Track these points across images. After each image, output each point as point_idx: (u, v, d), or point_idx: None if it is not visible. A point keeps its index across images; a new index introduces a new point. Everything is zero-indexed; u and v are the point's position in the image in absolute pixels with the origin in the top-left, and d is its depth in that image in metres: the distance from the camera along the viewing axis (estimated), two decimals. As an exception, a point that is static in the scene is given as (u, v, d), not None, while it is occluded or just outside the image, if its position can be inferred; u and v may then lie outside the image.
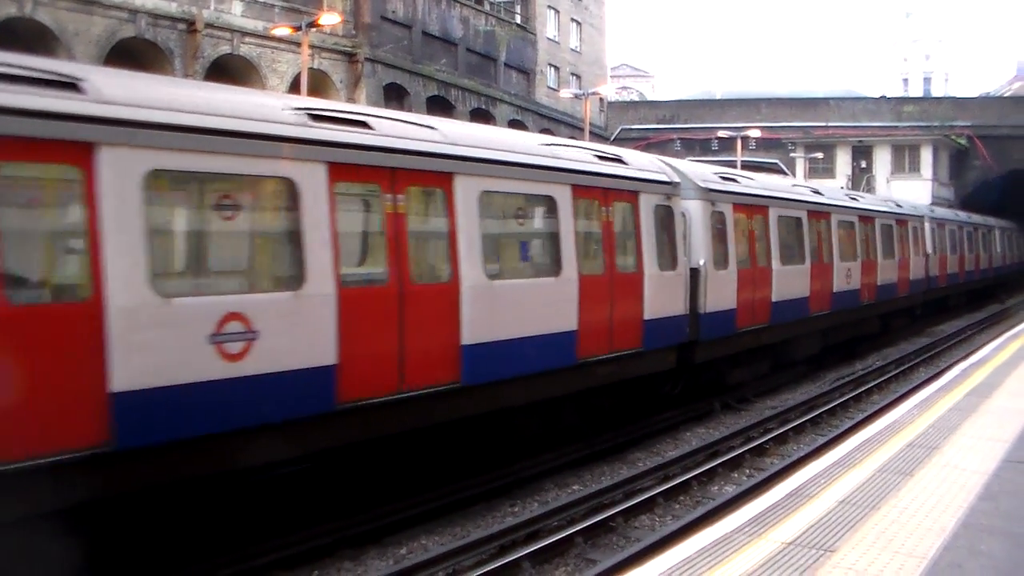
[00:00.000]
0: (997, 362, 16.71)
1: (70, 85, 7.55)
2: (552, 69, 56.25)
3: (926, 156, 55.24)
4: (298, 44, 28.87)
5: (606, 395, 14.55)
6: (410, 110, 36.50)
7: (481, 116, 44.19)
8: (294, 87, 31.39)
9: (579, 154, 13.62)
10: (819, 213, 21.82)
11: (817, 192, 23.05)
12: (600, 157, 14.08)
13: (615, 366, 13.85)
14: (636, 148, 58.05)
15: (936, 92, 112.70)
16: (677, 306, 15.35)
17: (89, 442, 7.38)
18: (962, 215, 42.04)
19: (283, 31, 28.49)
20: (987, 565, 6.58)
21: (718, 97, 79.95)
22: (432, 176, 10.72)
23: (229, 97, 9.59)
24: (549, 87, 54.91)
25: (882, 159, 56.08)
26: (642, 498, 11.66)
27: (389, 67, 38.95)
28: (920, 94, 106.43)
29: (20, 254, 7.53)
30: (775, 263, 19.09)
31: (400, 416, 10.25)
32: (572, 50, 59.02)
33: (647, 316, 14.33)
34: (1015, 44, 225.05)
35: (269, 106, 9.53)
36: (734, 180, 18.49)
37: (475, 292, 10.91)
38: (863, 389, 19.74)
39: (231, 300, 8.56)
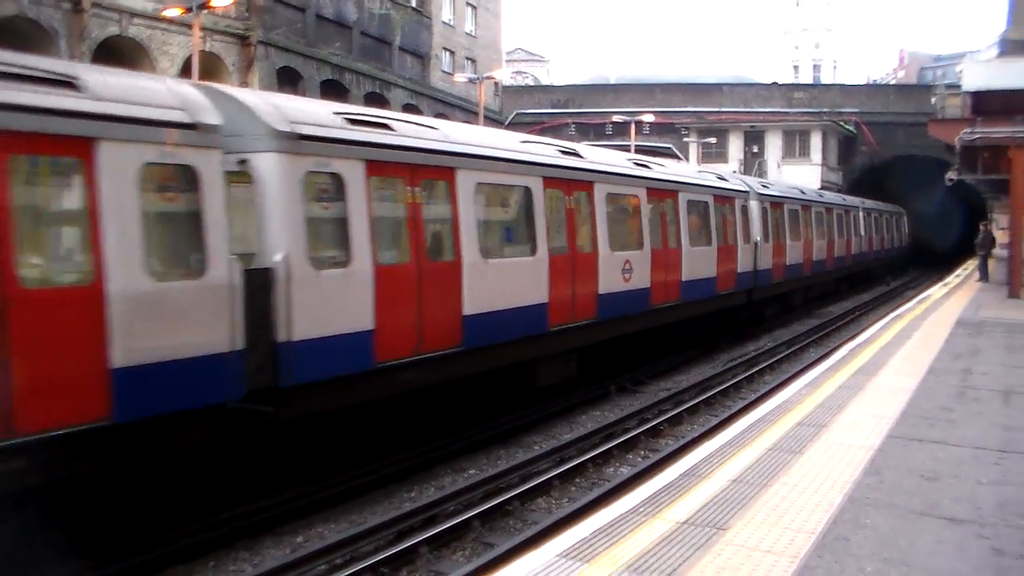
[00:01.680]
0: (883, 342, 17.20)
1: None
2: (447, 53, 56.02)
3: (816, 141, 56.57)
4: (189, 26, 28.15)
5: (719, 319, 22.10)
6: (303, 94, 36.01)
7: (375, 100, 43.82)
8: (185, 70, 30.63)
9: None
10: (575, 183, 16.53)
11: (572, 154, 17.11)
12: (562, 152, 16.48)
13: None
14: (531, 132, 58.51)
15: (825, 79, 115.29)
16: None
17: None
18: (810, 192, 36.68)
19: (174, 12, 27.62)
20: (871, 537, 6.79)
21: (613, 82, 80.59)
22: (440, 170, 12.69)
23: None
24: (444, 71, 54.68)
25: (773, 144, 57.26)
26: (538, 481, 11.75)
27: (282, 50, 38.28)
28: (810, 81, 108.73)
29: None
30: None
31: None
32: (467, 34, 58.86)
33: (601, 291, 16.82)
34: (900, 34, 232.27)
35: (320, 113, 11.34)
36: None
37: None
38: (755, 370, 20.18)
39: None
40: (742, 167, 54.60)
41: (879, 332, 18.86)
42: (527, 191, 14.85)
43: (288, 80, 38.40)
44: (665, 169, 21.24)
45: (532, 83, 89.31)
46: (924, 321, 20.76)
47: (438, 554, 9.62)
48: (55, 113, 7.94)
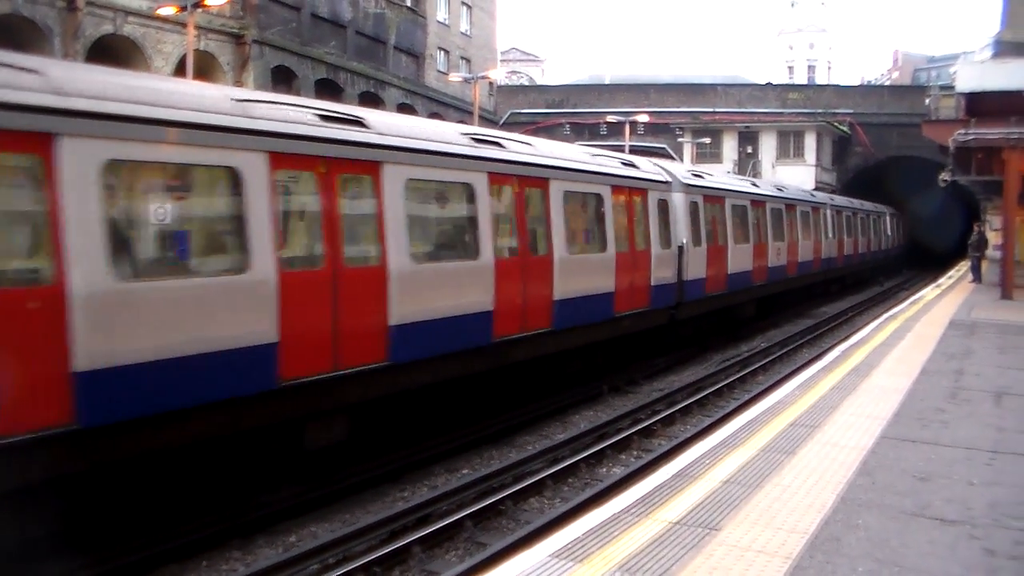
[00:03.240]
0: (876, 342, 17.24)
1: None
2: (442, 53, 56.08)
3: (810, 142, 56.68)
4: (184, 25, 28.10)
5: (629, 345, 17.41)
6: (298, 93, 36.01)
7: (370, 100, 43.84)
8: (180, 69, 30.57)
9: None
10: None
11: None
12: (623, 163, 15.57)
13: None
14: (525, 133, 58.56)
15: (820, 80, 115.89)
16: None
17: None
18: (765, 185, 31.20)
19: (168, 11, 27.55)
20: (863, 538, 6.81)
21: (607, 82, 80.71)
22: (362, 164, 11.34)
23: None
24: (439, 71, 54.75)
25: (768, 144, 57.35)
26: (531, 481, 11.75)
27: (277, 49, 38.26)
28: (804, 82, 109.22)
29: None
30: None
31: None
32: (462, 34, 58.95)
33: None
34: (894, 35, 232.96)
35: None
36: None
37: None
38: (748, 371, 20.20)
39: None
40: (736, 167, 54.71)
41: (872, 333, 18.90)
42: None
43: (284, 79, 38.39)
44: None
45: (527, 83, 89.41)
46: (917, 322, 20.81)
47: (431, 554, 9.62)
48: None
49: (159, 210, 9.29)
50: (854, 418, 10.78)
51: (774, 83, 74.46)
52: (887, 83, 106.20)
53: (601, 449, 13.42)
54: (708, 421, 15.18)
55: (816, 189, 46.07)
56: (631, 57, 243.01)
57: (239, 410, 9.75)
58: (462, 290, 13.00)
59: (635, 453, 13.76)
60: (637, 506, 7.47)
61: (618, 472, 12.46)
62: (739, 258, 24.83)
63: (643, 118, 53.20)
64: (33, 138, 7.86)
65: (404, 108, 47.03)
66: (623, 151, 40.62)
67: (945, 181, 36.21)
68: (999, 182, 31.37)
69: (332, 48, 42.76)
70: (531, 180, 14.91)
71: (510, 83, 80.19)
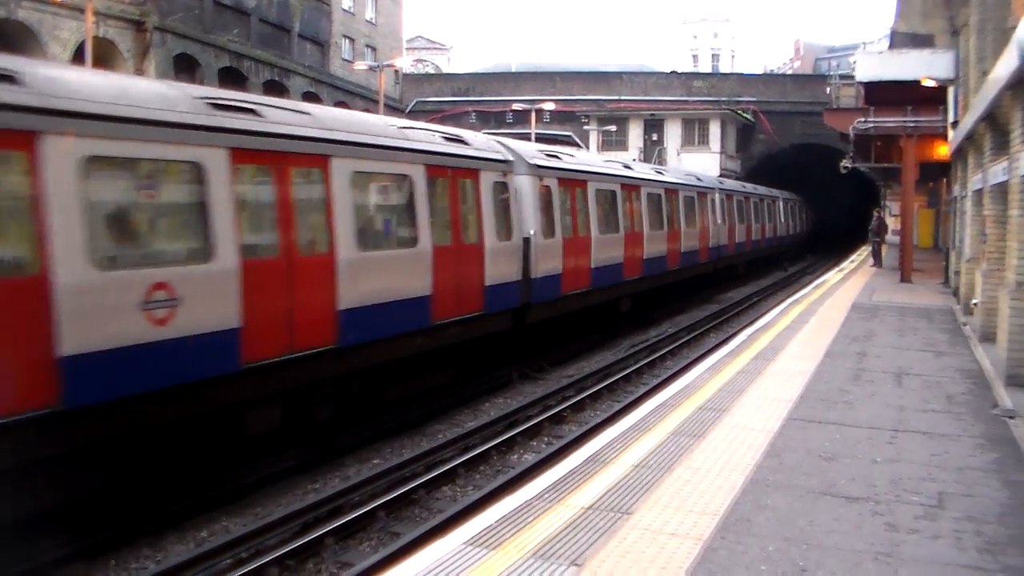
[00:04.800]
0: (781, 327, 17.59)
1: None
2: (347, 41, 55.58)
3: (714, 130, 57.47)
4: (82, 10, 27.29)
5: (456, 356, 16.25)
6: (201, 82, 35.26)
7: (274, 88, 43.28)
8: (78, 56, 29.71)
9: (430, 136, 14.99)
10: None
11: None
12: (445, 138, 15.58)
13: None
14: (431, 121, 58.26)
15: (724, 69, 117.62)
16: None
17: None
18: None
19: (66, -5, 26.72)
20: (772, 517, 6.95)
21: (514, 70, 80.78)
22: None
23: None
24: (344, 59, 54.25)
25: (673, 132, 57.99)
26: (443, 469, 11.72)
27: (179, 37, 37.45)
28: (709, 70, 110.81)
29: None
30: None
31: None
32: (367, 21, 58.47)
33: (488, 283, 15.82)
34: (796, 25, 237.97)
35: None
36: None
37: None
38: (657, 355, 20.40)
39: None
40: (642, 155, 55.21)
41: (778, 317, 19.28)
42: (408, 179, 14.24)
43: (186, 68, 37.62)
44: (303, 119, 12.01)
45: (433, 71, 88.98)
46: (821, 306, 21.29)
47: (344, 545, 9.54)
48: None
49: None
50: (761, 401, 10.99)
51: (679, 71, 75.19)
52: (789, 72, 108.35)
53: (512, 436, 13.44)
54: (618, 406, 15.30)
55: (721, 176, 46.69)
56: (538, 45, 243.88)
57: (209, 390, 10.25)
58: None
59: (546, 439, 13.80)
60: (549, 492, 7.50)
61: (530, 459, 12.49)
62: (606, 250, 21.93)
63: (549, 106, 53.40)
64: None
65: (309, 96, 46.42)
66: (529, 139, 40.72)
67: (846, 168, 37.03)
68: (897, 169, 32.29)
69: (235, 36, 42.06)
70: (304, 157, 11.83)
71: (416, 71, 79.71)
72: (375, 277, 12.88)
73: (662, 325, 25.84)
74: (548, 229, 18.83)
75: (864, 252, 42.11)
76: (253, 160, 11.04)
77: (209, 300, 10.04)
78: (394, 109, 57.11)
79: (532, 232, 17.93)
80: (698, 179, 33.25)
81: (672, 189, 28.25)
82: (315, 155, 11.93)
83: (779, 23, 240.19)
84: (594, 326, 22.73)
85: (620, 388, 17.37)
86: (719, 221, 34.48)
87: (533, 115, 51.44)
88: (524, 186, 17.98)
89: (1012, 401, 11.15)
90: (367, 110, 52.85)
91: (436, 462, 12.21)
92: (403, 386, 15.11)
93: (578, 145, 54.29)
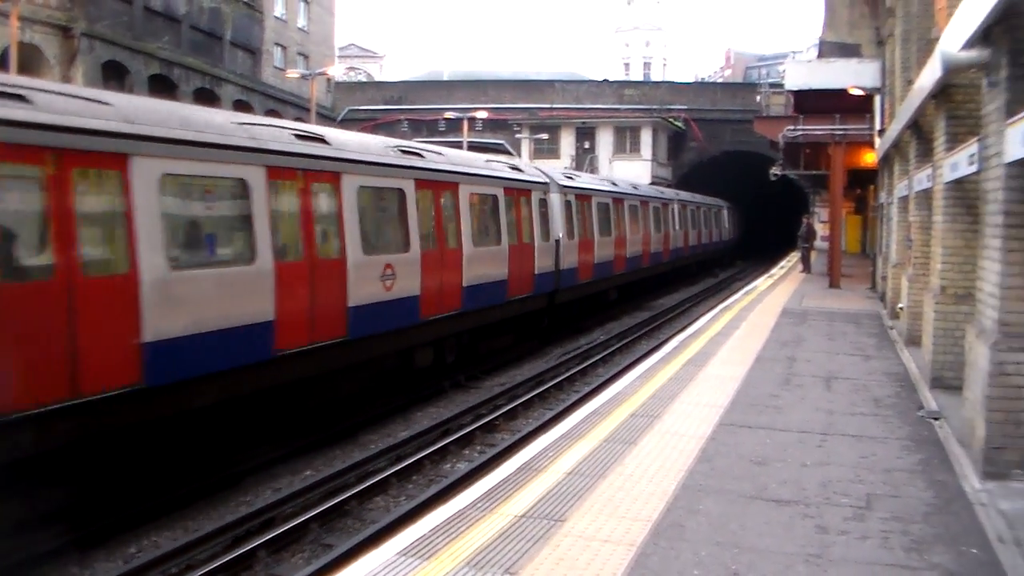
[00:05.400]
0: (711, 333, 17.77)
1: None
2: (279, 48, 55.19)
3: (646, 137, 57.94)
4: (6, 15, 26.64)
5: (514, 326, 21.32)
6: (131, 90, 34.74)
7: (206, 97, 42.75)
8: (1, 63, 29.00)
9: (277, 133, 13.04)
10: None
11: None
12: (511, 167, 17.68)
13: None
14: (364, 129, 57.89)
15: (655, 77, 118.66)
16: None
17: None
18: (623, 186, 31.67)
19: (-11, -1, 26.07)
20: (704, 522, 7.00)
21: (446, 78, 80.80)
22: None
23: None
24: (276, 67, 53.82)
25: (605, 140, 58.36)
26: (376, 480, 11.65)
27: (108, 43, 36.69)
28: (641, 78, 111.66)
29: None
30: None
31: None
32: (300, 29, 58.10)
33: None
34: (726, 34, 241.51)
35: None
36: None
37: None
38: (588, 363, 20.49)
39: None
40: (573, 163, 55.48)
41: (708, 323, 19.47)
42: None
43: (115, 75, 36.93)
44: (442, 158, 17.47)
45: (365, 79, 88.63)
46: (751, 311, 21.55)
47: (277, 557, 9.44)
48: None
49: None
50: (693, 407, 11.08)
51: (611, 80, 75.73)
52: (720, 80, 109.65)
53: (445, 445, 13.41)
54: (550, 414, 15.34)
55: (652, 183, 47.19)
56: (470, 53, 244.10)
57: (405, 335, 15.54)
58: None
59: (479, 448, 13.79)
60: (482, 501, 7.48)
61: (462, 468, 12.47)
62: (604, 250, 27.74)
63: (482, 114, 53.52)
64: None
65: (241, 105, 45.98)
66: (461, 147, 40.78)
67: (776, 175, 37.65)
68: (826, 176, 32.86)
69: (166, 43, 41.42)
70: (443, 185, 17.25)
71: (348, 79, 79.21)
72: (480, 265, 18.29)
73: (593, 333, 25.97)
74: (570, 233, 24.51)
75: (794, 258, 42.73)
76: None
77: (406, 276, 15.26)
78: (326, 118, 56.75)
79: (560, 235, 23.54)
80: (661, 192, 39.55)
81: (645, 201, 34.31)
82: (448, 183, 17.45)
83: (710, 32, 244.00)
84: (593, 310, 28.56)
85: (552, 396, 17.41)
86: (677, 227, 40.06)
87: (465, 124, 51.45)
88: (555, 201, 23.64)
89: (937, 403, 11.38)
90: (299, 118, 52.48)
91: (369, 472, 12.14)
92: (487, 343, 20.69)
93: (510, 153, 54.42)
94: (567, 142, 58.66)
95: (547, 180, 23.51)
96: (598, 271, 27.08)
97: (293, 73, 49.14)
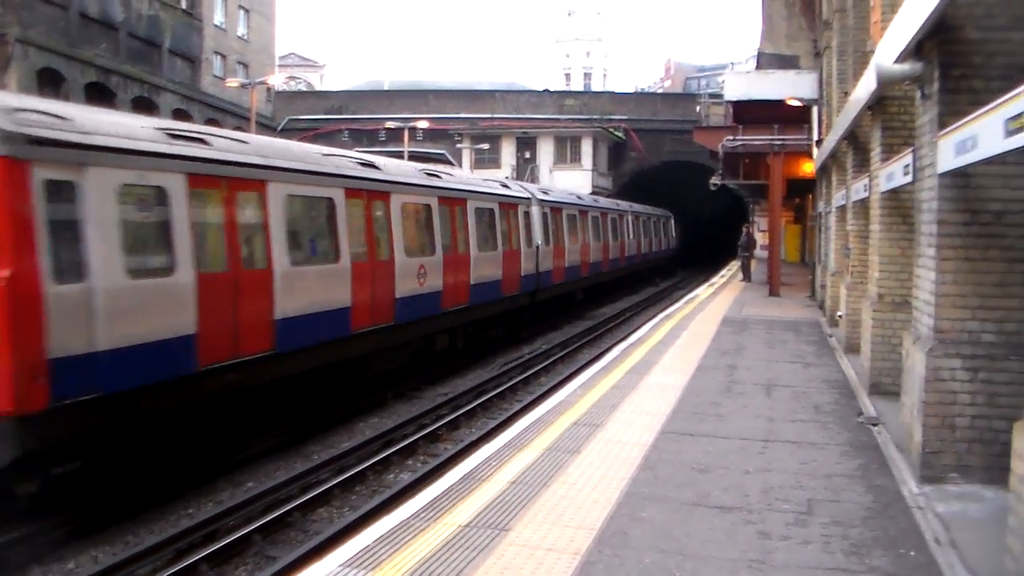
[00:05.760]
0: (653, 341, 17.91)
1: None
2: (219, 57, 54.63)
3: (586, 147, 58.29)
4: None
5: (503, 319, 25.40)
6: (67, 98, 34.11)
7: (144, 105, 42.19)
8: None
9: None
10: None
11: None
12: (502, 185, 23.34)
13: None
14: (304, 139, 57.58)
15: (596, 87, 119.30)
16: None
17: None
18: (587, 199, 36.13)
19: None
20: (648, 530, 7.06)
21: (387, 88, 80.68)
22: None
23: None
24: (215, 76, 53.27)
25: (545, 150, 58.63)
26: (319, 491, 11.58)
27: (43, 50, 36.02)
28: (581, 89, 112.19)
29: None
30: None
31: None
32: (239, 38, 57.61)
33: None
34: (666, 45, 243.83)
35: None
36: None
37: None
38: (531, 372, 20.54)
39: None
40: (514, 172, 55.65)
41: (650, 332, 19.62)
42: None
43: (49, 82, 36.24)
44: (450, 179, 22.23)
45: (306, 88, 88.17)
46: (692, 320, 21.76)
47: (220, 571, 9.34)
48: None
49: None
50: (635, 415, 11.17)
51: (552, 90, 76.00)
52: (660, 91, 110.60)
53: (388, 456, 13.37)
54: (493, 424, 15.35)
55: (593, 193, 47.49)
56: (411, 63, 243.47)
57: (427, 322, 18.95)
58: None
59: (422, 458, 13.76)
60: (426, 511, 7.47)
61: (406, 478, 12.43)
62: (573, 256, 31.76)
63: (423, 124, 53.44)
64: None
65: (180, 114, 45.49)
66: (402, 157, 40.83)
67: (715, 185, 38.02)
68: (765, 185, 33.27)
69: (103, 50, 40.83)
70: (453, 200, 20.99)
71: (288, 89, 78.74)
72: (482, 267, 22.18)
73: (535, 342, 26.03)
74: (547, 241, 28.27)
75: (734, 267, 43.18)
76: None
77: (433, 275, 19.01)
78: (266, 127, 56.30)
79: (539, 242, 27.25)
80: (617, 204, 43.00)
81: (604, 212, 38.09)
82: (459, 199, 21.27)
83: (650, 43, 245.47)
84: (564, 308, 32.44)
85: (495, 406, 17.43)
86: (631, 236, 43.92)
87: (406, 133, 51.35)
88: (535, 213, 27.45)
89: (875, 409, 11.59)
90: (239, 128, 52.00)
91: (312, 483, 12.07)
92: (486, 333, 24.34)
93: (451, 163, 54.42)
94: (508, 152, 58.84)
95: (529, 195, 27.43)
96: (569, 274, 31.16)
97: (233, 82, 48.71)
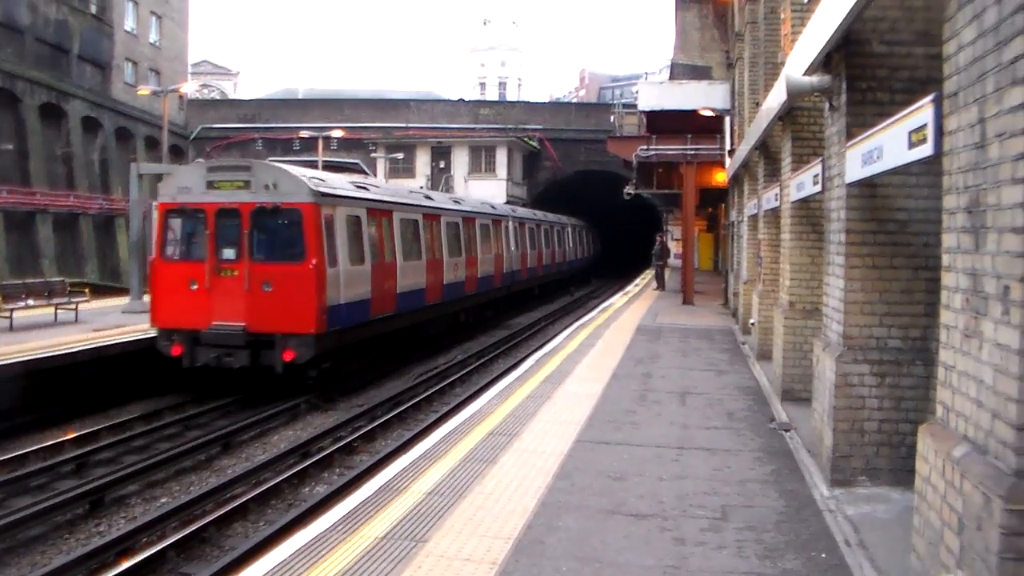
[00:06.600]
0: (568, 351, 18.04)
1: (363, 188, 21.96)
2: (130, 64, 53.64)
3: (501, 157, 58.43)
4: None
5: (492, 305, 35.52)
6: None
7: (52, 112, 41.34)
8: None
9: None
10: None
11: None
12: (491, 207, 31.63)
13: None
14: (216, 148, 56.78)
15: (511, 97, 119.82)
16: None
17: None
18: (440, 199, 31.59)
19: None
20: (564, 538, 7.11)
21: (301, 96, 79.95)
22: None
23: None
24: (126, 83, 52.29)
25: (460, 159, 58.64)
26: (234, 505, 11.43)
27: (-57, 54, 35.15)
28: (496, 98, 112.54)
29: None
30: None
31: None
32: (151, 44, 56.71)
33: None
34: (581, 55, 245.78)
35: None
36: None
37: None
38: (446, 383, 20.56)
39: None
40: (429, 182, 55.58)
41: (565, 341, 19.76)
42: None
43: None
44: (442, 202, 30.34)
45: (219, 97, 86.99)
46: (607, 329, 21.96)
47: (133, 589, 9.16)
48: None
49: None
50: (551, 424, 11.24)
51: (467, 99, 76.22)
52: (574, 100, 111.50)
53: (304, 468, 13.26)
54: (409, 435, 15.30)
55: (507, 203, 47.63)
56: (325, 72, 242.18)
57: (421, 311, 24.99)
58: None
59: (338, 470, 13.67)
60: (343, 524, 7.43)
61: (322, 491, 12.34)
62: (532, 260, 41.04)
63: (337, 133, 52.97)
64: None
65: (89, 121, 44.62)
66: (316, 166, 40.56)
67: (629, 194, 38.39)
68: (678, 195, 33.75)
69: (8, 55, 39.85)
70: (471, 219, 31.46)
71: (202, 97, 77.57)
72: (483, 266, 31.26)
73: (451, 352, 26.05)
74: (522, 247, 38.36)
75: (648, 276, 43.66)
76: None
77: (460, 269, 28.27)
78: (178, 136, 55.39)
79: (512, 249, 36.35)
80: (545, 216, 46.94)
81: (540, 222, 43.98)
82: (470, 217, 30.20)
83: (565, 53, 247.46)
84: (525, 300, 40.89)
85: (411, 417, 17.40)
86: (559, 245, 48.91)
87: (320, 143, 50.87)
88: (511, 226, 36.65)
89: (787, 415, 11.83)
90: (150, 136, 51.15)
91: (227, 498, 11.91)
92: (481, 315, 33.03)
93: (366, 173, 54.13)
94: (423, 161, 58.72)
95: (508, 212, 37.56)
96: (530, 273, 40.23)
97: (145, 90, 47.79)
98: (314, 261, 17.65)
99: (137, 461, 13.51)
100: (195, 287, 17.96)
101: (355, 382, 20.34)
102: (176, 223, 18.73)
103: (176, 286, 18.13)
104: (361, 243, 20.18)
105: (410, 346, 24.91)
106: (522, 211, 42.78)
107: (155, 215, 19.26)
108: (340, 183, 20.57)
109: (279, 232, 18.19)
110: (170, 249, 18.72)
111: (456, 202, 31.90)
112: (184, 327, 17.84)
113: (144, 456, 14.04)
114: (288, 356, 17.30)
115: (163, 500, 12.11)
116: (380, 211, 21.70)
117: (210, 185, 18.20)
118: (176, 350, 17.84)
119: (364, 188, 22.01)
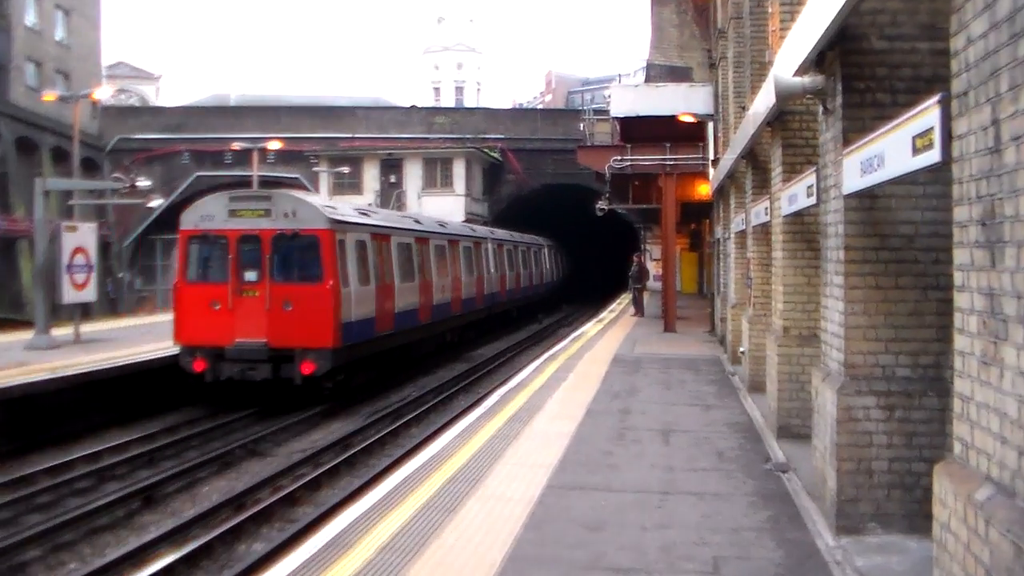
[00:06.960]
0: (537, 384, 18.00)
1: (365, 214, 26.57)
2: (32, 64, 53.03)
3: (459, 170, 58.40)
4: None
5: (483, 323, 41.82)
6: None
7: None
8: None
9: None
10: None
11: None
12: (471, 230, 38.59)
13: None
14: (137, 160, 56.25)
15: (469, 103, 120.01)
16: None
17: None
18: (428, 223, 35.26)
19: None
20: (536, 598, 7.03)
21: (233, 103, 79.58)
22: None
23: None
24: (29, 86, 51.66)
25: (413, 173, 58.59)
26: (157, 568, 11.23)
27: None
28: (452, 104, 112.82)
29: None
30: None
31: None
32: (58, 43, 56.07)
33: None
34: (547, 56, 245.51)
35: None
36: None
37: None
38: (401, 423, 20.43)
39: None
40: (378, 198, 55.44)
41: (533, 374, 19.73)
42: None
43: None
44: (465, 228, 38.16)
45: (139, 103, 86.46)
46: (580, 360, 21.96)
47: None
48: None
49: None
50: (518, 468, 11.17)
51: (420, 106, 76.14)
52: (540, 106, 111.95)
53: (239, 523, 13.07)
54: (359, 483, 15.15)
55: (466, 221, 47.72)
56: (261, 76, 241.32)
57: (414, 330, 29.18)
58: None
59: (278, 525, 13.49)
60: (283, 586, 7.32)
61: (259, 548, 12.15)
62: (511, 282, 46.01)
63: (274, 145, 52.58)
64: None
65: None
66: (250, 182, 40.39)
67: (602, 210, 38.47)
68: (657, 210, 33.80)
69: None
70: (455, 241, 36.40)
71: (118, 103, 76.91)
72: (466, 288, 36.08)
73: (405, 389, 25.96)
74: (500, 268, 43.29)
75: (624, 300, 43.79)
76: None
77: (446, 291, 33.04)
78: (92, 147, 54.84)
79: (493, 271, 41.40)
80: (522, 238, 51.16)
81: (516, 244, 48.58)
82: (455, 240, 35.93)
83: (529, 54, 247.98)
84: (510, 319, 46.27)
85: (361, 462, 17.25)
86: (535, 267, 53.37)
87: (255, 155, 50.48)
88: (491, 247, 41.74)
89: (784, 454, 11.82)
90: (58, 147, 50.53)
91: (147, 560, 11.70)
92: (472, 333, 38.39)
93: (307, 188, 53.91)
94: (371, 175, 58.69)
95: (488, 234, 42.66)
96: (508, 295, 45.04)
97: (51, 95, 47.23)
98: (331, 282, 21.40)
99: (40, 521, 13.28)
100: (218, 307, 21.33)
101: (299, 425, 20.21)
102: (199, 249, 22.31)
103: (199, 306, 21.55)
104: (367, 265, 24.17)
105: (405, 364, 28.85)
106: (500, 232, 46.57)
107: (177, 242, 23.05)
108: (347, 210, 24.96)
109: (298, 256, 22.01)
110: (193, 272, 22.22)
111: (442, 225, 37.01)
112: (208, 344, 21.12)
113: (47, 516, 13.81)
114: (307, 369, 20.62)
115: (72, 566, 11.88)
116: (381, 235, 25.99)
117: (232, 213, 21.81)
118: (199, 365, 21.08)
119: (366, 214, 26.41)
